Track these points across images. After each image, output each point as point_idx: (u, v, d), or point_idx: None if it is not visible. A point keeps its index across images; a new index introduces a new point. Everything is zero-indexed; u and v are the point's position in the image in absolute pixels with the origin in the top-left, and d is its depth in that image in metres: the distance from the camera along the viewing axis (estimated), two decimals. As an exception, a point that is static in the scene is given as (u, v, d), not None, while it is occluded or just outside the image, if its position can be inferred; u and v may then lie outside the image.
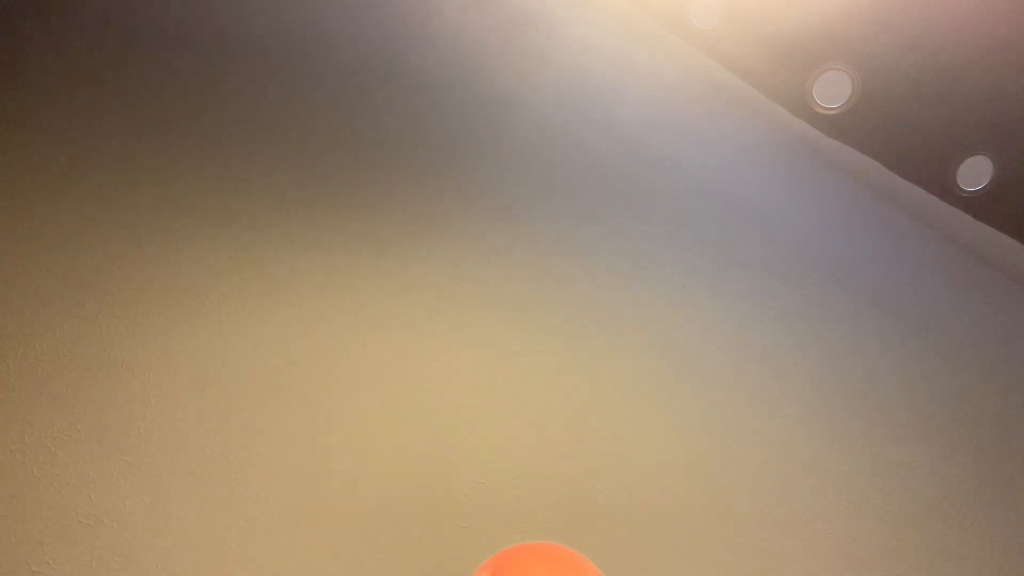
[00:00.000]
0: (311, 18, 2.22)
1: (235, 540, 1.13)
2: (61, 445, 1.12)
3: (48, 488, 1.08)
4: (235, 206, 1.60)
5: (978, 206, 2.81)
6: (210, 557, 1.10)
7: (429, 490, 1.35)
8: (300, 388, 1.36)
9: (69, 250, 1.35)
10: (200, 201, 1.56)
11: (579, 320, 1.76)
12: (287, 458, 1.25)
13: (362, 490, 1.27)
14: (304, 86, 1.99)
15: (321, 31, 2.20)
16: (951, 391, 2.07)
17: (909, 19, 2.58)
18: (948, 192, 2.85)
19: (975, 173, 2.76)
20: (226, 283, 1.44)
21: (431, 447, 1.41)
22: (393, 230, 1.74)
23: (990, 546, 1.65)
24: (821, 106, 2.95)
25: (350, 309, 1.53)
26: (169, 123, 1.69)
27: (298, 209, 1.67)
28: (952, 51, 2.57)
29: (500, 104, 2.36)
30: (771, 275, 2.24)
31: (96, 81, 1.68)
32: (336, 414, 1.35)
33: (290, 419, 1.30)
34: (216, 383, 1.29)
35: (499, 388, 1.57)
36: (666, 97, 2.93)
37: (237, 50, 1.96)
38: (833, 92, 2.91)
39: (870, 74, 2.79)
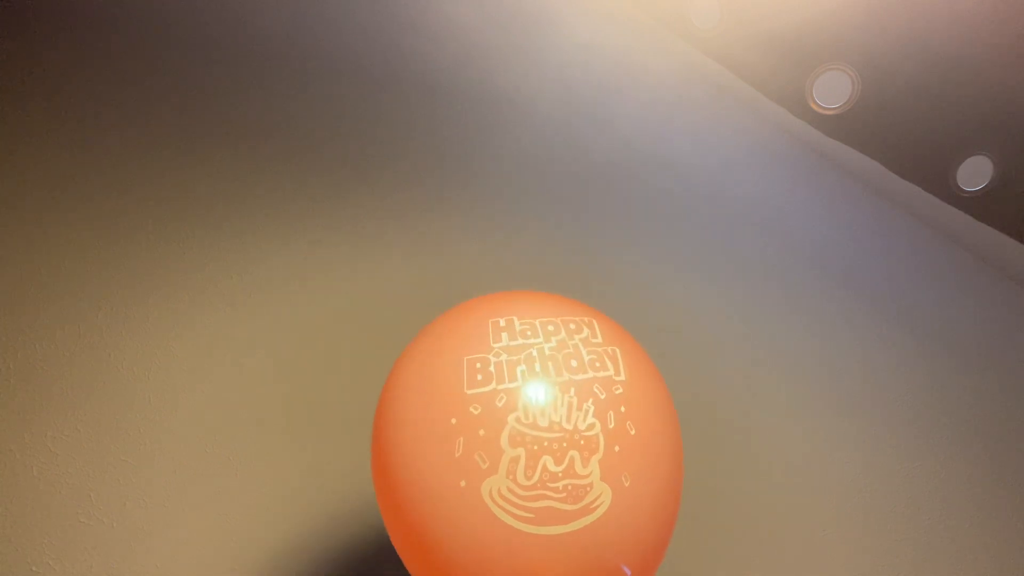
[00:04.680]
0: (311, 17, 2.21)
1: (235, 539, 1.13)
2: (61, 445, 1.12)
3: (48, 488, 1.08)
4: (235, 208, 1.60)
5: (978, 206, 2.81)
6: (210, 557, 1.10)
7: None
8: (300, 388, 1.35)
9: (69, 252, 1.35)
10: (201, 204, 1.56)
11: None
12: (287, 457, 1.25)
13: (368, 487, 1.26)
14: (304, 85, 1.99)
15: (321, 30, 2.20)
16: (951, 388, 2.06)
17: (909, 19, 2.58)
18: (948, 192, 2.85)
19: (975, 173, 2.76)
20: (226, 284, 1.44)
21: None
22: (394, 233, 1.74)
23: (993, 545, 1.65)
24: (821, 106, 2.95)
25: (351, 311, 1.53)
26: (170, 125, 1.69)
27: (299, 210, 1.67)
28: (952, 51, 2.57)
29: (500, 103, 2.36)
30: (770, 273, 2.23)
31: (98, 83, 1.67)
32: (335, 412, 1.34)
33: (290, 418, 1.30)
34: (216, 383, 1.29)
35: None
36: (666, 97, 2.93)
37: (235, 50, 1.96)
38: (833, 92, 2.91)
39: (870, 74, 2.79)
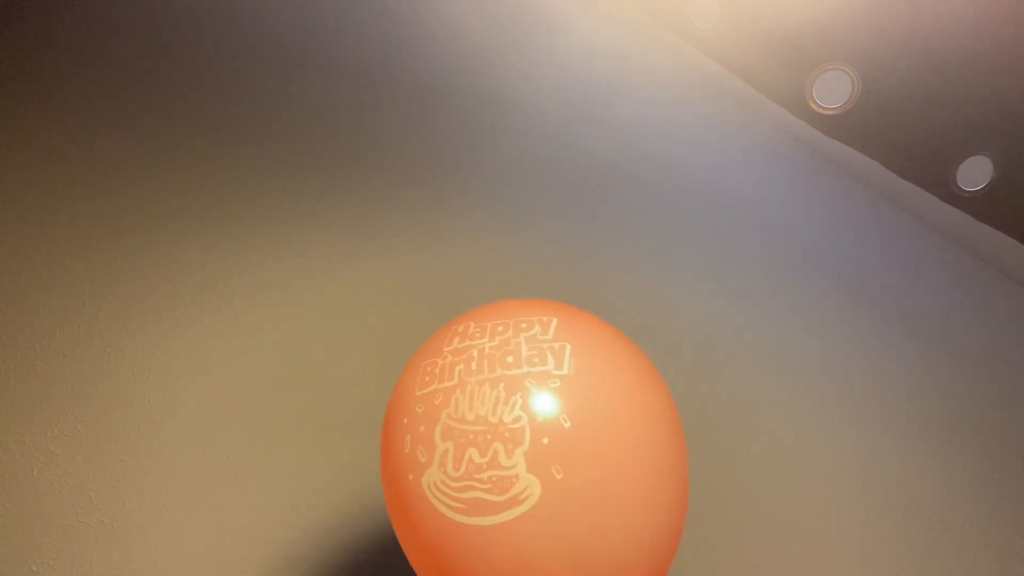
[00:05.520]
0: (311, 17, 2.21)
1: (235, 540, 1.13)
2: (61, 445, 1.12)
3: (48, 488, 1.08)
4: (236, 209, 1.60)
5: (978, 206, 2.81)
6: (210, 557, 1.10)
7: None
8: (300, 387, 1.35)
9: (69, 252, 1.35)
10: (201, 204, 1.56)
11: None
12: (287, 457, 1.25)
13: (367, 489, 1.27)
14: (304, 85, 1.99)
15: (321, 30, 2.20)
16: (951, 389, 2.06)
17: (909, 19, 2.58)
18: (948, 192, 2.84)
19: (975, 173, 2.76)
20: (226, 284, 1.44)
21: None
22: (394, 234, 1.74)
23: (993, 545, 1.65)
24: (821, 106, 2.95)
25: (351, 312, 1.53)
26: (170, 125, 1.69)
27: (299, 211, 1.67)
28: (952, 52, 2.57)
29: (501, 103, 2.36)
30: (770, 273, 2.23)
31: (98, 82, 1.67)
32: (334, 412, 1.35)
33: (290, 418, 1.30)
34: (216, 384, 1.29)
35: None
36: (666, 97, 2.93)
37: (235, 50, 1.96)
38: (833, 92, 2.91)
39: (870, 74, 2.79)
